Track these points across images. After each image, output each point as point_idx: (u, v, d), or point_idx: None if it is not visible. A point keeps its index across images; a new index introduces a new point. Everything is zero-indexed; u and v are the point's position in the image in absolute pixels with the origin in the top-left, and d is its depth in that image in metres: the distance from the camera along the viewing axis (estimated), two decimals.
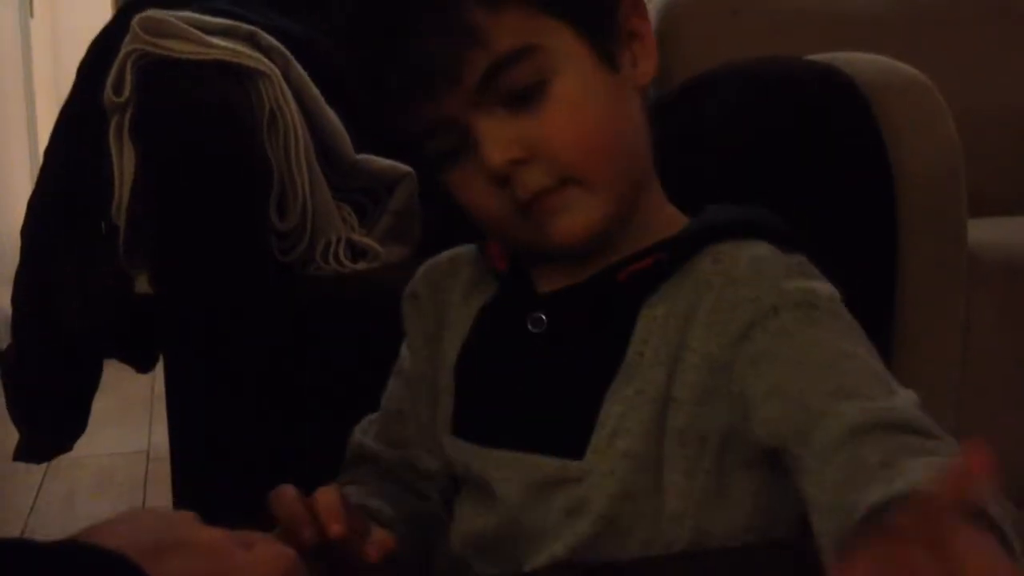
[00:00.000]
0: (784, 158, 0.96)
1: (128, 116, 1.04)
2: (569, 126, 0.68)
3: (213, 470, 1.10)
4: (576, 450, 0.70)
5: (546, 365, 0.73)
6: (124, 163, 1.05)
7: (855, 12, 1.62)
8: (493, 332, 0.77)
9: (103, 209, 1.12)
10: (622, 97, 0.72)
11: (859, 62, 1.05)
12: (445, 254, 0.83)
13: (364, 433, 0.83)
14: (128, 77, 1.02)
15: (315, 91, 1.12)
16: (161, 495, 1.81)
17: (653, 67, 0.73)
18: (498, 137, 0.68)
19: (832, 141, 0.98)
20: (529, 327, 0.74)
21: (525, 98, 0.68)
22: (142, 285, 1.17)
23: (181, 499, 1.11)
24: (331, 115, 1.14)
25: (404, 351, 0.83)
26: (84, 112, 1.21)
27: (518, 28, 0.67)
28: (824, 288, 0.68)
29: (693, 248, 0.70)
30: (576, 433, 0.70)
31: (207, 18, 1.08)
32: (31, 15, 3.68)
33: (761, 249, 0.69)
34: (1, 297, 3.07)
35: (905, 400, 0.61)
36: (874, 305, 0.95)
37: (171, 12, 1.05)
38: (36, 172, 3.51)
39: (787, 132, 0.97)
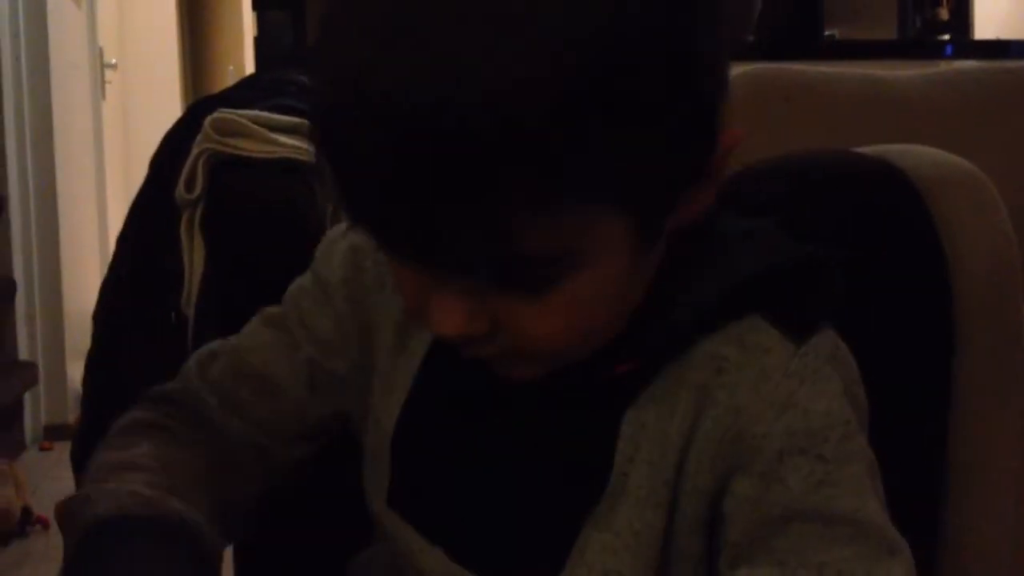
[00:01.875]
0: (834, 255, 0.97)
1: (199, 212, 1.08)
2: (559, 328, 0.54)
3: (272, 555, 1.11)
4: (546, 572, 0.62)
5: (514, 473, 0.64)
6: (194, 256, 1.09)
7: (908, 99, 1.63)
8: (445, 408, 0.66)
9: (173, 299, 1.16)
10: (641, 273, 0.57)
11: (912, 155, 1.05)
12: (368, 259, 0.68)
13: (203, 376, 0.70)
14: (200, 175, 1.06)
15: None
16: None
17: (709, 200, 0.59)
18: (460, 307, 0.53)
19: (885, 236, 0.98)
20: (494, 421, 0.64)
21: (506, 285, 0.53)
22: None
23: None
24: None
25: (296, 313, 0.71)
26: (156, 204, 1.26)
27: (562, 229, 0.50)
28: (836, 410, 0.59)
29: (688, 343, 0.60)
30: (548, 557, 0.62)
31: (275, 116, 1.13)
32: (103, 97, 3.82)
33: (770, 357, 0.59)
34: (72, 373, 3.15)
35: None
36: (930, 401, 0.95)
37: (241, 112, 1.10)
38: (104, 247, 3.62)
39: (838, 227, 0.98)
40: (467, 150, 0.46)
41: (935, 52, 2.62)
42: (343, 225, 0.72)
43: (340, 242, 0.72)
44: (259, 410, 0.70)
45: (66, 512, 0.59)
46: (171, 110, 4.24)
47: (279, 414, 0.70)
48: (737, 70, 1.83)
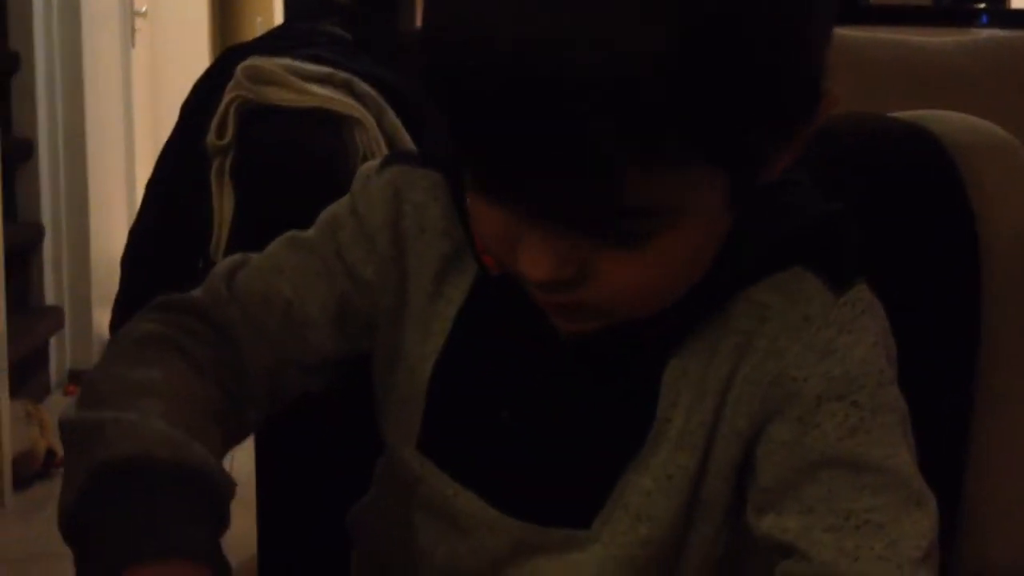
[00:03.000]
0: (867, 217, 0.96)
1: (229, 159, 1.08)
2: (646, 282, 0.55)
3: (298, 495, 1.13)
4: (583, 519, 0.64)
5: (556, 422, 0.65)
6: (224, 204, 1.09)
7: (943, 65, 1.61)
8: (484, 357, 0.66)
9: (201, 246, 1.17)
10: (723, 231, 0.58)
11: (946, 120, 1.05)
12: (407, 203, 0.68)
13: (231, 289, 0.68)
14: (230, 122, 1.06)
15: (407, 138, 1.15)
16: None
17: (792, 160, 0.58)
18: (553, 252, 0.54)
19: (917, 201, 0.98)
20: (537, 372, 0.65)
21: (603, 235, 0.54)
22: None
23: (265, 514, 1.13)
24: None
25: (333, 244, 0.69)
26: (186, 151, 1.26)
27: (667, 185, 0.52)
28: (872, 360, 0.61)
29: (732, 292, 0.62)
30: (587, 503, 0.64)
31: (307, 65, 1.12)
32: (132, 45, 3.82)
33: (811, 304, 0.61)
34: (97, 318, 3.18)
35: (910, 543, 0.58)
36: (956, 364, 0.95)
37: (272, 59, 1.10)
38: (132, 193, 3.63)
39: (871, 191, 0.98)
40: (586, 104, 0.47)
41: (970, 19, 2.58)
42: (375, 161, 0.72)
43: (376, 179, 0.70)
44: (282, 337, 0.68)
45: (76, 432, 0.57)
46: (199, 59, 4.24)
47: (302, 344, 0.69)
48: None
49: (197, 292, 0.70)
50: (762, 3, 0.49)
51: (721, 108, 0.49)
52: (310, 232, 0.72)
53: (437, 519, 0.69)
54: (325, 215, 0.72)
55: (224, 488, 0.57)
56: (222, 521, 0.57)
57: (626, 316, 0.59)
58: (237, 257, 0.72)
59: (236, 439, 0.68)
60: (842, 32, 1.69)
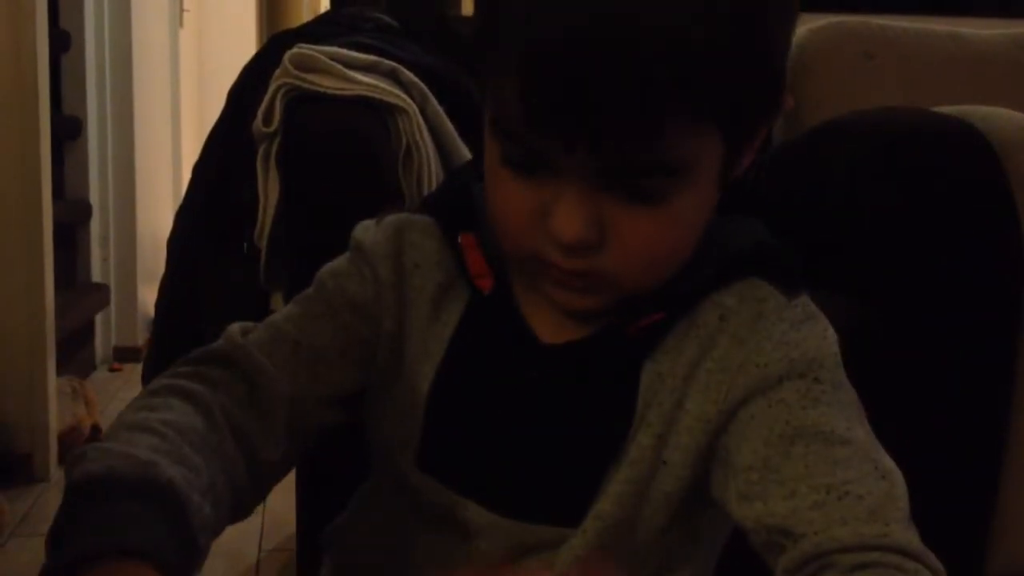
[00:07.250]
0: (909, 214, 0.96)
1: (275, 145, 1.09)
2: (652, 247, 0.64)
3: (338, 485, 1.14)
4: (573, 517, 0.69)
5: (545, 424, 0.69)
6: (269, 189, 1.11)
7: (991, 58, 1.59)
8: (478, 370, 0.72)
9: (246, 230, 1.19)
10: (711, 209, 0.67)
11: (994, 118, 1.04)
12: (405, 241, 0.74)
13: (246, 338, 0.72)
14: (277, 109, 1.08)
15: (449, 126, 1.16)
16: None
17: (750, 160, 0.68)
18: (585, 212, 0.62)
19: (960, 198, 0.97)
20: (526, 378, 0.70)
21: (631, 192, 0.62)
22: (277, 303, 1.23)
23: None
24: (463, 150, 1.18)
25: (334, 283, 0.74)
26: (233, 136, 1.28)
27: (686, 144, 0.61)
28: (826, 348, 0.67)
29: (698, 298, 0.69)
30: (576, 499, 0.68)
31: (352, 53, 1.14)
32: (180, 25, 3.85)
33: (766, 304, 0.68)
34: (143, 296, 3.22)
35: (889, 499, 0.61)
36: (995, 366, 0.95)
37: (319, 48, 1.11)
38: (177, 173, 3.63)
39: (914, 186, 0.97)
40: (653, 75, 0.57)
41: (1022, 11, 2.54)
42: (372, 220, 0.78)
43: (376, 225, 0.76)
44: (296, 370, 0.72)
45: (67, 466, 0.61)
46: (246, 42, 4.27)
47: (314, 376, 0.72)
48: (818, 22, 1.80)
49: (220, 344, 0.74)
50: (769, 9, 0.62)
51: (734, 81, 0.59)
52: (309, 288, 0.77)
53: (436, 531, 0.72)
54: (323, 271, 0.77)
55: (186, 502, 0.59)
56: (184, 529, 0.58)
57: (631, 287, 0.66)
58: (246, 323, 0.76)
59: (264, 478, 0.70)
60: (889, 22, 1.67)
